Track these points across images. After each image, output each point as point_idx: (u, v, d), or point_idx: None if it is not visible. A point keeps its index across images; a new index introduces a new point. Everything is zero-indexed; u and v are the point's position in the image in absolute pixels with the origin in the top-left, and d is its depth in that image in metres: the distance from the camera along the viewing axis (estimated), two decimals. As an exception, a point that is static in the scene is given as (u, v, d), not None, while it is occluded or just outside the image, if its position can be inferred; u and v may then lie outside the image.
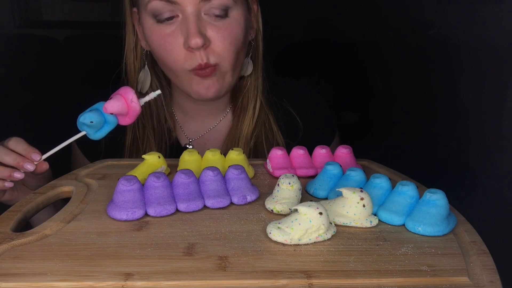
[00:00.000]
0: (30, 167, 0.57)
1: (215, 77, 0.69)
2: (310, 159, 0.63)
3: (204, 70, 0.67)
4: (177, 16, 0.66)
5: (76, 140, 0.59)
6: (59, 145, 0.58)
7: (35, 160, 0.58)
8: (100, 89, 0.80)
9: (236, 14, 0.67)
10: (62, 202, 0.57)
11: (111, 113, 0.57)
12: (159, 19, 0.66)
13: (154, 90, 0.76)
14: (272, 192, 0.52)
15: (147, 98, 0.60)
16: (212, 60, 0.67)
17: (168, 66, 0.70)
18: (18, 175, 0.57)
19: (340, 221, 0.47)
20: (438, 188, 0.49)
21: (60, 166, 0.69)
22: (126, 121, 0.58)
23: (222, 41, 0.66)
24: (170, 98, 0.80)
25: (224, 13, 0.66)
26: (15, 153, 0.58)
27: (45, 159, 0.59)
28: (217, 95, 0.71)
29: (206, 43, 0.65)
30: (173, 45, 0.66)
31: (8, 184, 0.58)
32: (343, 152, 0.63)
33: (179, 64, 0.68)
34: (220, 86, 0.70)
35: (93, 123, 0.55)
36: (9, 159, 0.57)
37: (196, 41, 0.64)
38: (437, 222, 0.46)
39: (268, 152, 0.67)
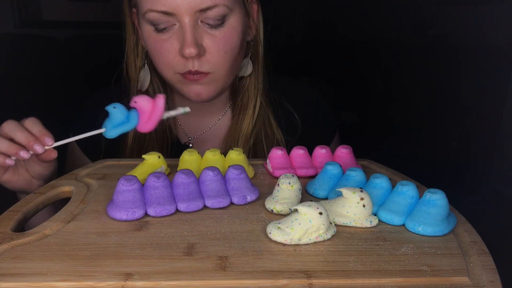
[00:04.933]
0: (39, 148, 0.56)
1: (205, 82, 0.69)
2: (310, 159, 0.63)
3: (194, 76, 0.68)
4: (174, 24, 0.66)
5: (77, 140, 0.59)
6: (74, 137, 0.57)
7: (47, 144, 0.57)
8: (101, 88, 0.81)
9: (233, 21, 0.68)
10: (61, 202, 0.57)
11: (136, 102, 0.56)
12: (157, 28, 0.67)
13: (154, 89, 0.77)
14: (272, 192, 0.52)
15: (173, 113, 0.59)
16: (205, 69, 0.67)
17: (160, 69, 0.71)
18: (25, 155, 0.56)
19: (340, 221, 0.47)
20: (438, 188, 0.49)
21: (60, 166, 0.69)
22: (145, 127, 0.57)
23: (217, 50, 0.67)
24: (170, 97, 0.81)
25: (221, 22, 0.66)
26: (28, 132, 0.57)
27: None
28: (209, 99, 0.72)
29: (200, 53, 0.66)
30: (168, 50, 0.67)
31: (9, 161, 0.57)
32: (343, 152, 0.63)
33: (171, 68, 0.69)
34: (211, 92, 0.71)
35: (116, 108, 0.56)
36: (21, 136, 0.56)
37: (191, 51, 0.64)
38: (437, 222, 0.46)
39: (268, 150, 0.67)
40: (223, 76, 0.70)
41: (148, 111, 0.57)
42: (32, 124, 0.58)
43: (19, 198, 0.67)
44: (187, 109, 0.59)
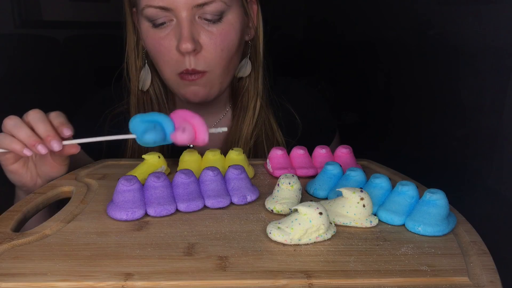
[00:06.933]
0: (56, 146, 0.54)
1: (202, 83, 0.69)
2: (310, 159, 0.63)
3: (190, 75, 0.68)
4: (172, 20, 0.66)
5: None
6: (101, 137, 0.54)
7: (64, 135, 0.55)
8: (101, 88, 0.81)
9: (231, 18, 0.68)
10: (48, 210, 0.57)
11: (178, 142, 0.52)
12: (154, 24, 0.67)
13: (155, 89, 0.77)
14: (272, 192, 0.52)
15: (213, 130, 0.55)
16: (201, 67, 0.67)
17: (160, 67, 0.71)
18: (42, 150, 0.53)
19: (340, 221, 0.47)
20: (438, 188, 0.49)
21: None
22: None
23: (214, 47, 0.67)
24: (170, 98, 0.81)
25: (218, 18, 0.66)
26: (50, 125, 0.55)
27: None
28: (205, 100, 0.72)
29: (197, 49, 0.66)
30: (167, 47, 0.67)
31: (27, 152, 0.54)
32: (343, 152, 0.63)
33: (170, 67, 0.69)
34: (207, 91, 0.71)
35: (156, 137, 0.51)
36: (42, 128, 0.55)
37: (187, 46, 0.64)
38: (437, 222, 0.46)
39: (268, 151, 0.67)
40: (219, 75, 0.70)
41: (191, 143, 0.52)
42: (56, 116, 0.57)
43: (17, 195, 0.67)
44: (225, 128, 0.56)
